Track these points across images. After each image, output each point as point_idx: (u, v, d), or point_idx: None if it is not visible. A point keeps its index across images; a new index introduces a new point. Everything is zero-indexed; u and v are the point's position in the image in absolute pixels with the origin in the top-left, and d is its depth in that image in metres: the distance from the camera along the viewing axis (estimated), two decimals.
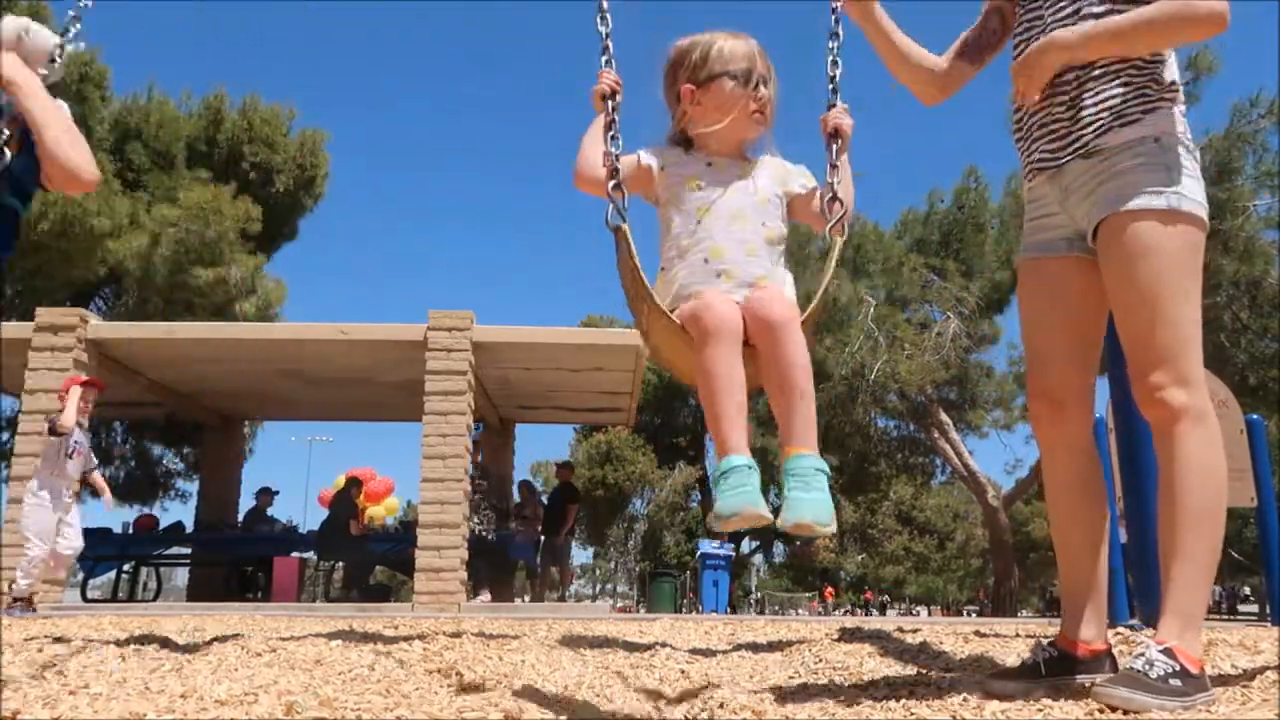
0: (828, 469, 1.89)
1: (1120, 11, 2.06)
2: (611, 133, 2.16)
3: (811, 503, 1.80)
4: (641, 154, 2.23)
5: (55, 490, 6.32)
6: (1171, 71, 2.11)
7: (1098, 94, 2.08)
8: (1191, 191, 2.00)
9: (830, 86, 2.31)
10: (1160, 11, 2.00)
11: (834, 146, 2.23)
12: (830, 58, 2.32)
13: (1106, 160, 2.05)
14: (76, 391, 6.45)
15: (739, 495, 1.79)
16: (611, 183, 2.10)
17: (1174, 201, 1.98)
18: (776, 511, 1.82)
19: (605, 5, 2.27)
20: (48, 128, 2.30)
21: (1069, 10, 2.14)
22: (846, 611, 35.78)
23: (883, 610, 43.27)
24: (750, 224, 2.13)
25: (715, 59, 2.18)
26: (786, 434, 1.92)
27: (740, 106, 2.17)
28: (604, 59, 2.25)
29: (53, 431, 6.33)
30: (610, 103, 2.19)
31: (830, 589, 37.43)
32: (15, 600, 6.18)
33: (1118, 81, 2.07)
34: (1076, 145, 2.11)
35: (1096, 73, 2.09)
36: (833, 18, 2.35)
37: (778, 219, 2.19)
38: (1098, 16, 2.08)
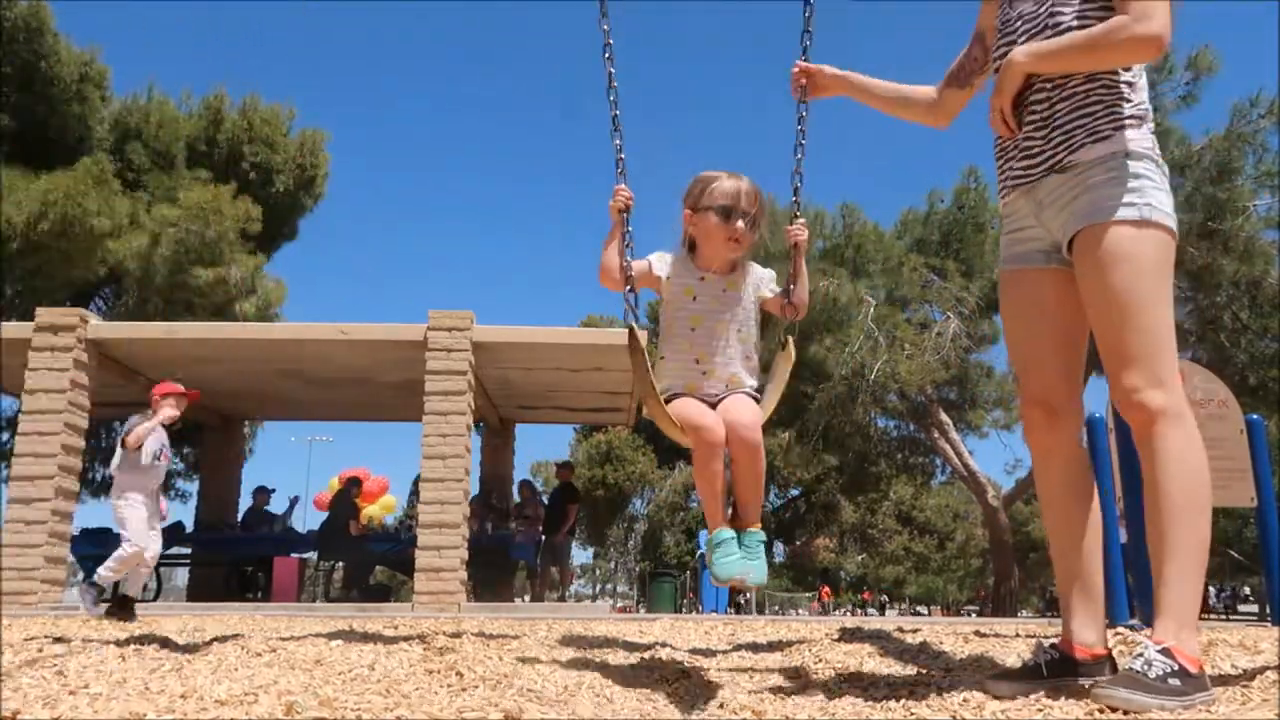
0: (764, 538, 2.54)
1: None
2: (627, 243, 2.59)
3: (755, 568, 2.46)
4: (654, 262, 2.67)
5: (140, 492, 6.13)
6: (1140, 92, 2.19)
7: (1070, 113, 2.16)
8: (1161, 203, 2.08)
9: (794, 199, 2.78)
10: (1103, 32, 2.09)
11: (794, 257, 2.70)
12: (794, 169, 2.75)
13: (1079, 175, 2.13)
14: (168, 410, 6.18)
15: (732, 563, 2.43)
16: (628, 288, 2.58)
17: (1145, 212, 2.05)
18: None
19: (618, 117, 2.65)
20: None
21: (1037, 35, 2.22)
22: (847, 612, 35.77)
23: (882, 610, 43.26)
24: (729, 331, 2.63)
25: (705, 195, 2.62)
26: (742, 515, 2.52)
27: (718, 236, 2.60)
28: (619, 173, 2.63)
29: (123, 445, 6.09)
30: (625, 215, 2.60)
31: (826, 589, 37.59)
32: (91, 584, 5.95)
33: (1089, 101, 2.15)
34: (1050, 161, 2.18)
35: (1067, 93, 2.17)
36: (798, 130, 2.73)
37: (751, 322, 2.69)
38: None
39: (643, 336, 2.59)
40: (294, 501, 13.27)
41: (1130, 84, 2.17)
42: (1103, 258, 2.05)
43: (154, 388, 6.41)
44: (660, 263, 2.67)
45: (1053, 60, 2.14)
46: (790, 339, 2.73)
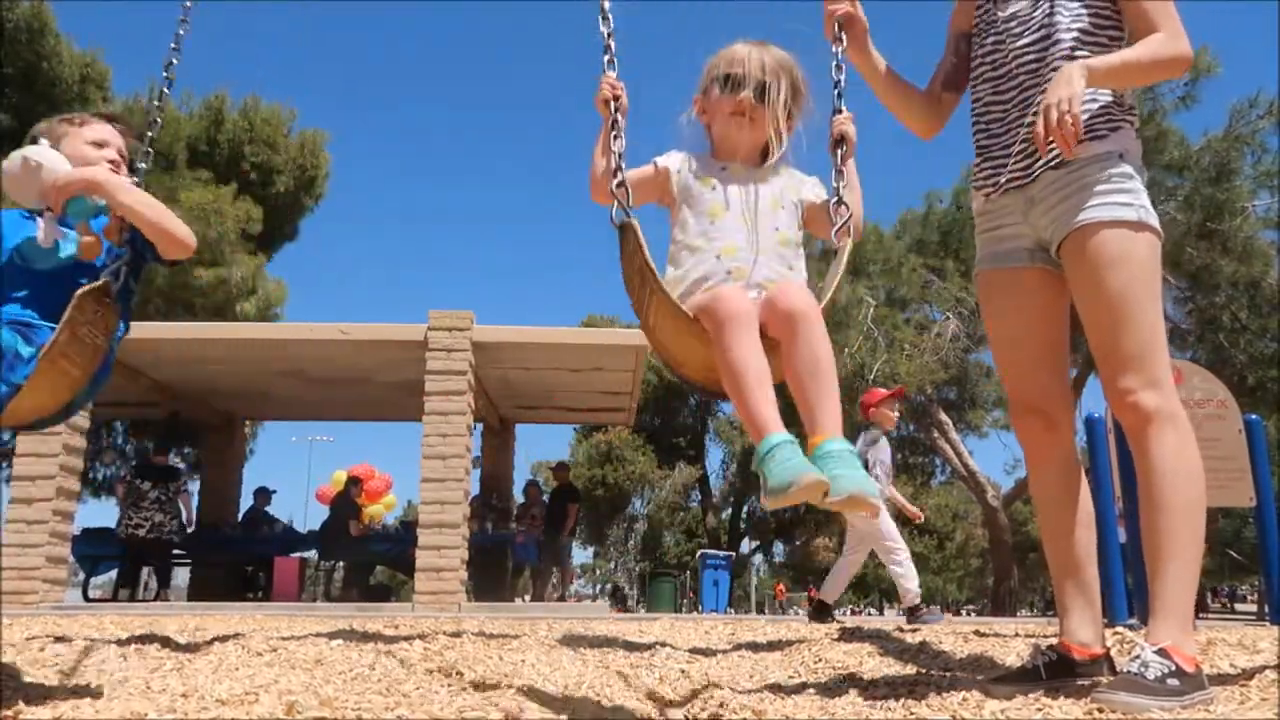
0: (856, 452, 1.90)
1: (1093, 37, 2.18)
2: (615, 133, 2.16)
3: (855, 479, 1.77)
4: (658, 159, 2.27)
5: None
6: (1130, 95, 2.23)
7: None
8: (1150, 207, 2.12)
9: (836, 92, 2.33)
10: (1152, 53, 2.11)
11: (839, 152, 2.27)
12: (834, 62, 2.34)
13: (1075, 171, 2.13)
14: (889, 414, 6.40)
15: (791, 466, 1.73)
16: (615, 180, 2.09)
17: (1142, 214, 2.07)
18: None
19: (607, 6, 2.26)
20: (150, 210, 2.39)
21: (1037, 35, 2.22)
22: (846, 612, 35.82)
23: (880, 610, 43.28)
24: (763, 226, 2.17)
25: (708, 70, 2.27)
26: (813, 423, 1.90)
27: (723, 110, 2.24)
28: (606, 60, 2.24)
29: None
30: (613, 105, 2.18)
31: (780, 586, 38.25)
32: (914, 609, 5.85)
33: (1087, 100, 2.15)
34: (1048, 158, 2.17)
35: None
36: (835, 24, 2.38)
37: (791, 224, 2.24)
38: (1065, 42, 2.18)
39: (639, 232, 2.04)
40: (292, 522, 13.36)
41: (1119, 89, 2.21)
42: (1100, 258, 2.05)
43: (869, 397, 6.48)
44: (667, 158, 2.27)
45: (1113, 76, 2.13)
46: (844, 239, 2.22)
